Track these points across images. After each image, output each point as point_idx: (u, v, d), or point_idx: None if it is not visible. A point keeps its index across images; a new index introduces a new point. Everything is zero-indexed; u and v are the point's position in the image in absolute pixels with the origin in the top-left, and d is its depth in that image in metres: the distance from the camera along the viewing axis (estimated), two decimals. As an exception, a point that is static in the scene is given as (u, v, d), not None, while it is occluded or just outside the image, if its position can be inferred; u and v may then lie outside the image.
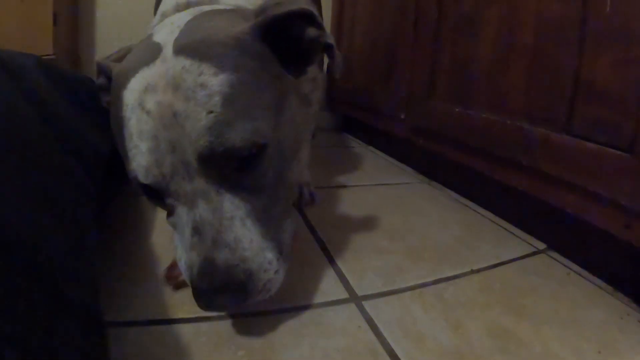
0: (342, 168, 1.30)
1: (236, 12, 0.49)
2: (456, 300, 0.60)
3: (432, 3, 1.08)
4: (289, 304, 0.56)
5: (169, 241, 0.70)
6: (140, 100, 0.41)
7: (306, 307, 0.56)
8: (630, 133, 0.59)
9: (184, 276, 0.45)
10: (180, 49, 0.41)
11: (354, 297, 0.59)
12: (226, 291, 0.41)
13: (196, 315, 0.53)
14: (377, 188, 1.11)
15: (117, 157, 0.49)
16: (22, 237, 0.31)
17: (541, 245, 0.81)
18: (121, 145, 0.44)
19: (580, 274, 0.71)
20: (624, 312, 0.60)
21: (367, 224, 0.84)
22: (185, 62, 0.40)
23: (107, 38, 1.70)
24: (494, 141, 0.85)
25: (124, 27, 1.70)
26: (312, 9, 0.46)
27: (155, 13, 0.76)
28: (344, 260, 0.69)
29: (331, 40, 0.49)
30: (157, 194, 0.44)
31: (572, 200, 0.69)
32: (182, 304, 0.55)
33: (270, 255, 0.44)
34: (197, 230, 0.41)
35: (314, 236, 0.77)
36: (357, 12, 1.66)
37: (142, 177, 0.42)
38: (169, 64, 0.41)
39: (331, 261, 0.68)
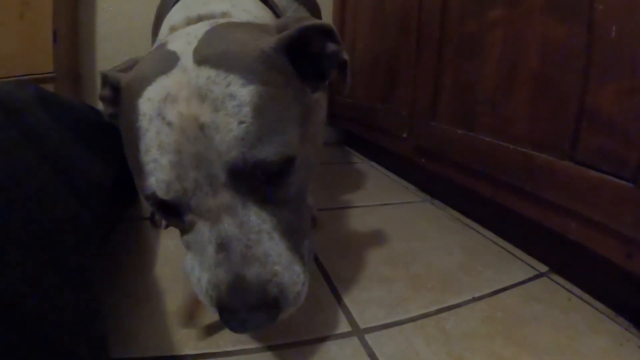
0: (344, 186, 1.31)
1: (256, 26, 0.49)
2: (458, 331, 0.61)
3: (434, 22, 1.08)
4: (292, 338, 0.57)
5: (173, 272, 0.72)
6: (160, 111, 0.39)
7: (310, 342, 0.57)
8: (634, 163, 0.59)
9: (203, 298, 0.43)
10: (203, 59, 0.40)
11: (356, 330, 0.60)
12: (261, 308, 0.39)
13: (203, 351, 0.54)
14: (380, 209, 1.12)
15: (120, 185, 0.49)
16: (27, 305, 0.32)
17: (543, 268, 0.81)
18: (134, 159, 0.42)
19: (581, 298, 0.71)
20: (623, 339, 0.61)
21: (369, 250, 0.85)
22: (210, 72, 0.39)
23: (108, 55, 1.72)
24: (497, 165, 0.85)
25: (124, 44, 1.72)
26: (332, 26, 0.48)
27: (153, 35, 0.77)
28: (346, 290, 0.70)
29: (347, 56, 0.51)
30: (174, 211, 0.42)
31: (574, 227, 0.69)
32: (189, 339, 0.56)
33: (297, 268, 0.42)
34: (223, 247, 0.40)
35: (316, 264, 0.78)
36: (358, 27, 1.67)
37: (162, 193, 0.40)
38: (191, 73, 0.40)
39: (334, 291, 0.69)
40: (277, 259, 0.41)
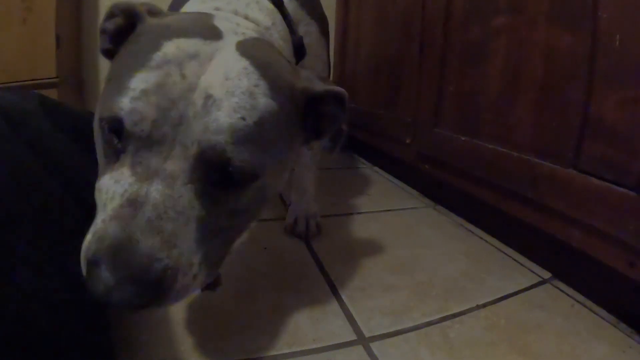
0: (348, 192, 1.31)
1: (291, 64, 0.52)
2: (462, 339, 0.61)
3: (437, 28, 1.09)
4: (299, 347, 0.58)
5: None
6: (181, 61, 0.39)
7: (316, 351, 0.57)
8: (637, 172, 0.60)
9: (82, 257, 0.37)
10: (246, 54, 0.42)
11: (361, 339, 0.60)
12: (136, 283, 0.34)
13: (210, 361, 0.55)
14: (384, 215, 1.12)
15: None
16: (39, 323, 0.33)
17: (546, 275, 0.82)
18: (119, 79, 0.40)
19: (584, 304, 0.72)
20: (626, 345, 0.62)
21: (374, 257, 0.86)
22: (248, 66, 0.41)
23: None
24: (501, 173, 0.86)
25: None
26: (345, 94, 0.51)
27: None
28: (351, 298, 0.70)
29: (346, 128, 0.54)
30: (115, 144, 0.39)
31: (577, 235, 0.70)
32: (195, 348, 0.56)
33: (196, 262, 0.39)
34: (133, 204, 0.36)
35: (321, 272, 0.79)
36: (361, 33, 1.67)
37: (129, 123, 0.37)
38: (229, 55, 0.41)
39: (339, 299, 0.70)
40: (180, 245, 0.37)
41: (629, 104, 0.61)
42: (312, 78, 0.51)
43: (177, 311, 0.64)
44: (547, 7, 0.75)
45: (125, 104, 0.38)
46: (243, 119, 0.39)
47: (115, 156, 0.40)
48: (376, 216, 1.11)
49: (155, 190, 0.37)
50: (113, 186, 0.38)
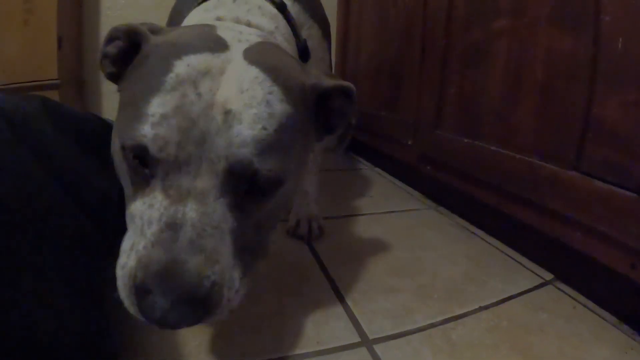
0: (350, 194, 1.32)
1: (299, 62, 0.53)
2: (464, 341, 0.61)
3: (439, 30, 1.09)
4: (302, 349, 0.58)
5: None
6: (195, 79, 0.40)
7: (319, 353, 0.58)
8: (639, 174, 0.60)
9: (122, 285, 0.38)
10: (254, 61, 0.43)
11: (365, 341, 0.61)
12: (189, 303, 0.36)
13: (214, 364, 0.55)
14: (386, 217, 1.13)
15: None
16: (43, 331, 0.33)
17: (548, 276, 0.82)
18: (135, 106, 0.40)
19: (586, 306, 0.72)
20: (628, 347, 0.62)
21: (376, 259, 0.86)
22: (259, 74, 0.42)
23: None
24: (502, 175, 0.86)
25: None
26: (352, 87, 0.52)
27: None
28: (354, 300, 0.71)
29: (355, 121, 0.55)
30: (142, 171, 0.40)
31: (579, 237, 0.70)
32: (199, 352, 0.57)
33: (236, 275, 0.41)
34: (172, 227, 0.37)
35: (324, 274, 0.79)
36: (362, 35, 1.68)
37: (155, 149, 0.38)
38: (239, 66, 0.42)
39: (342, 301, 0.70)
40: (222, 260, 0.39)
41: (631, 107, 0.61)
42: (320, 75, 0.51)
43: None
44: (549, 10, 0.75)
45: (147, 131, 0.38)
46: (264, 128, 0.40)
47: (144, 181, 0.41)
48: (378, 218, 1.11)
49: (191, 210, 0.38)
50: (148, 211, 0.39)
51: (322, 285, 0.75)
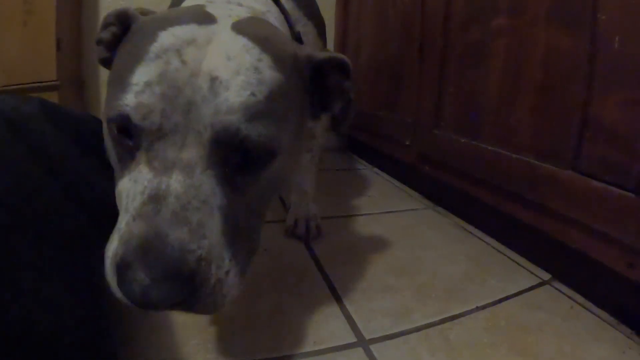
0: (349, 193, 1.32)
1: (290, 39, 0.53)
2: (462, 341, 0.61)
3: (437, 30, 1.09)
4: (299, 349, 0.58)
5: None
6: (179, 47, 0.39)
7: (316, 353, 0.58)
8: (637, 174, 0.60)
9: (108, 264, 0.36)
10: (242, 32, 0.41)
11: (361, 341, 0.61)
12: (174, 280, 0.33)
13: (211, 364, 0.55)
14: (384, 216, 1.13)
15: None
16: (42, 329, 0.33)
17: (546, 276, 0.82)
18: (119, 78, 0.39)
19: (584, 306, 0.72)
20: (625, 346, 0.62)
21: (374, 259, 0.86)
22: (247, 42, 0.40)
23: (111, 63, 1.73)
24: (500, 174, 0.86)
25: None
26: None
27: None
28: (351, 300, 0.71)
29: (353, 96, 0.53)
30: (127, 144, 0.39)
31: (577, 236, 0.70)
32: (198, 350, 0.57)
33: (226, 256, 0.38)
34: (155, 199, 0.35)
35: (321, 274, 0.79)
36: (361, 35, 1.68)
37: (138, 117, 0.37)
38: (226, 35, 0.41)
39: (339, 301, 0.70)
40: (209, 236, 0.36)
41: (629, 106, 0.61)
42: (314, 50, 0.50)
43: (179, 313, 0.64)
44: (547, 9, 0.75)
45: (130, 99, 0.37)
46: (253, 95, 0.38)
47: (129, 156, 0.39)
48: (376, 218, 1.11)
49: (175, 182, 0.36)
50: (133, 187, 0.38)
51: (320, 285, 0.75)
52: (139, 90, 0.37)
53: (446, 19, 1.06)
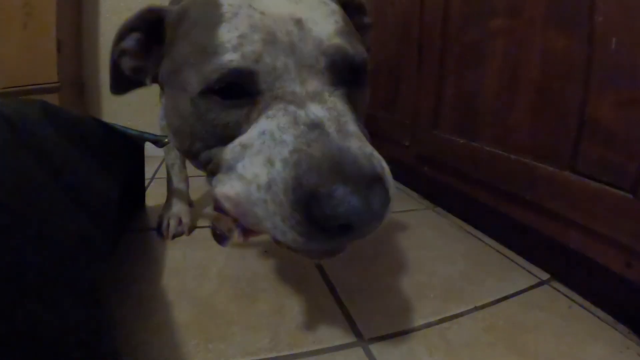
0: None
1: None
2: (460, 340, 0.62)
3: (436, 31, 1.10)
4: (299, 349, 0.58)
5: (181, 283, 0.73)
6: (250, 2, 0.40)
7: (316, 352, 0.58)
8: (633, 174, 0.60)
9: (282, 198, 0.34)
10: None
11: (361, 341, 0.61)
12: (379, 181, 0.34)
13: (211, 364, 0.55)
14: (383, 217, 1.12)
15: (125, 197, 0.49)
16: (47, 331, 0.33)
17: (544, 276, 0.82)
18: (202, 48, 0.39)
19: (582, 305, 0.72)
20: (623, 346, 0.62)
21: (373, 259, 0.86)
22: None
23: (111, 65, 1.73)
24: (499, 175, 0.87)
25: (128, 53, 1.73)
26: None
27: None
28: (350, 300, 0.71)
29: (371, 21, 0.61)
30: (242, 102, 0.39)
31: (575, 236, 0.70)
32: (197, 351, 0.57)
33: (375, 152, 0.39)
34: (313, 125, 0.36)
35: (321, 274, 0.79)
36: (359, 36, 1.68)
37: (249, 63, 0.37)
38: None
39: (338, 301, 0.70)
40: (366, 140, 0.39)
41: (625, 106, 0.61)
42: None
43: (179, 313, 0.64)
44: (544, 10, 0.76)
45: (230, 55, 0.37)
46: (337, 22, 0.43)
47: (244, 112, 0.40)
48: (376, 218, 1.11)
49: (316, 110, 0.38)
50: (270, 124, 0.37)
51: (319, 284, 0.75)
52: (236, 43, 0.38)
53: (445, 20, 1.06)
